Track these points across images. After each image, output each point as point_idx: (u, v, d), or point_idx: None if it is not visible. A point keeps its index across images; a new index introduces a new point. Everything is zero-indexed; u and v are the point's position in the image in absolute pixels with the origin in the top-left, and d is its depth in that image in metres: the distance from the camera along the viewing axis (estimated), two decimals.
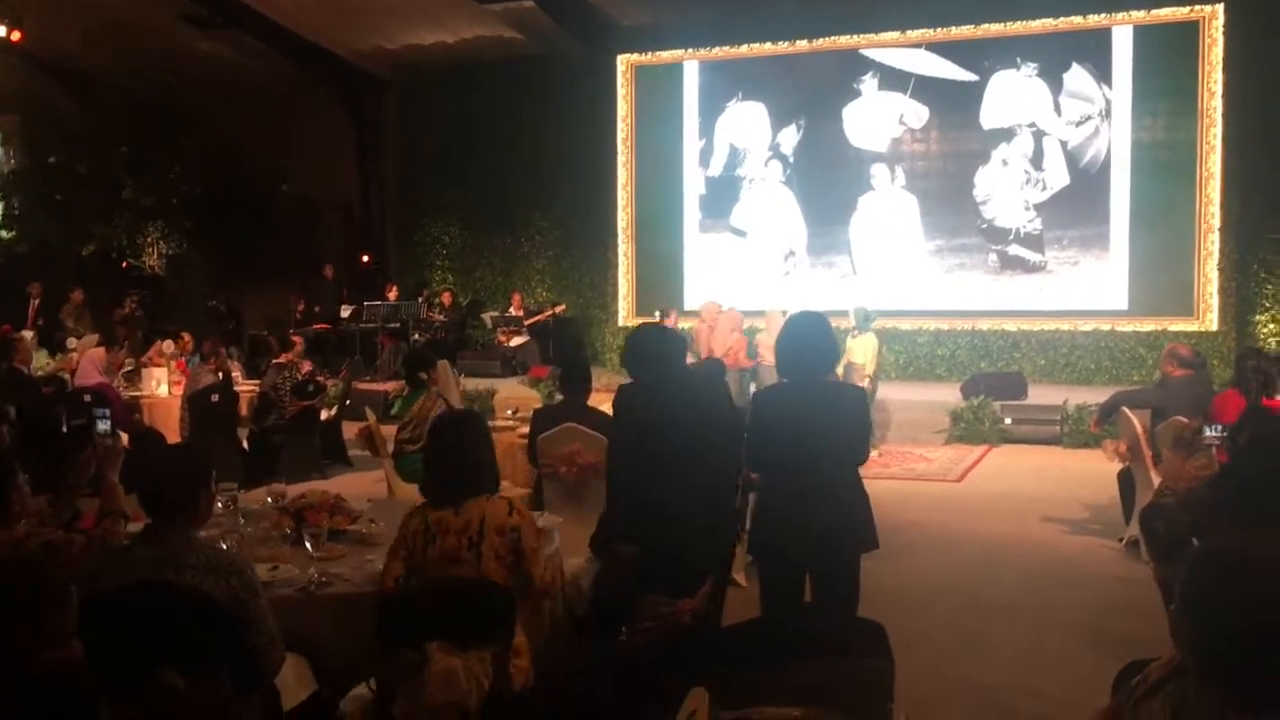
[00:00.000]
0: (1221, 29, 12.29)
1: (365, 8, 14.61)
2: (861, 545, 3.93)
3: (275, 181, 17.47)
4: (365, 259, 17.45)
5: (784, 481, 3.88)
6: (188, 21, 14.97)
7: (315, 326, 14.97)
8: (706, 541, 3.82)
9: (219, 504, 3.96)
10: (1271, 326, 13.04)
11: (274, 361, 9.72)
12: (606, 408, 6.70)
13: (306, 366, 10.40)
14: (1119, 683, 2.39)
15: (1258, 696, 1.83)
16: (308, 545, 3.80)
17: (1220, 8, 12.31)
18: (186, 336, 11.66)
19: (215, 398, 8.78)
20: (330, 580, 3.68)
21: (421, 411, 6.73)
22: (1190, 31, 12.46)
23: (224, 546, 3.60)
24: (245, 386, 10.13)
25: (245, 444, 9.13)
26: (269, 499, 4.57)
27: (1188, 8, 12.46)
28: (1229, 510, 3.14)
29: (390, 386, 12.84)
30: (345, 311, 15.16)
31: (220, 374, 9.41)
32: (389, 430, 7.25)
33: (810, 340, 3.91)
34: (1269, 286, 13.01)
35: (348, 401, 10.71)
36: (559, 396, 9.87)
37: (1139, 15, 12.63)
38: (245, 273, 16.51)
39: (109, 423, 4.49)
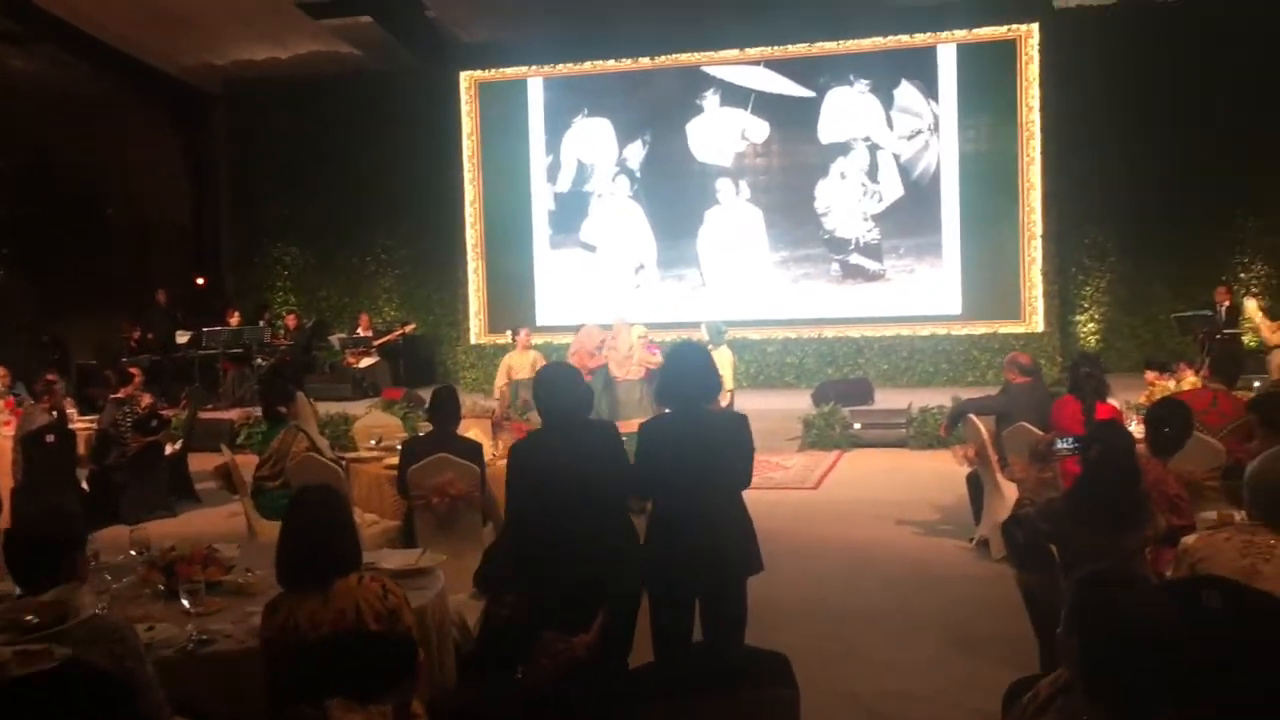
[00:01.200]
0: (1037, 47, 13.04)
1: (192, 23, 14.12)
2: (748, 568, 4.03)
3: (101, 203, 16.65)
4: (200, 282, 16.81)
5: (673, 508, 3.94)
6: (1, 39, 14.15)
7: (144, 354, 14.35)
8: (602, 575, 3.83)
9: None
10: (1091, 326, 13.93)
11: (112, 396, 9.26)
12: (473, 434, 6.69)
13: (147, 399, 9.94)
14: (1009, 701, 2.53)
15: (1142, 713, 1.98)
16: (184, 602, 3.66)
17: (1035, 27, 13.06)
18: (2, 370, 10.99)
19: (51, 438, 8.32)
20: (211, 637, 3.54)
21: (282, 447, 6.53)
22: (1008, 50, 13.18)
23: (98, 610, 3.43)
24: (80, 424, 9.62)
25: (85, 485, 8.68)
26: (133, 551, 4.37)
27: (1005, 27, 13.17)
28: (1085, 519, 3.36)
29: (235, 414, 12.43)
30: (182, 337, 14.56)
31: (55, 412, 8.91)
32: (243, 463, 7.03)
33: (692, 370, 3.98)
34: (1087, 289, 13.89)
35: (191, 433, 10.30)
36: (418, 421, 9.82)
37: (961, 34, 13.28)
38: (72, 300, 15.67)
39: None
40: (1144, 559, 3.72)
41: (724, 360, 9.80)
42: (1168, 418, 4.31)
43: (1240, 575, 3.11)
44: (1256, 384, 8.44)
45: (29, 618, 2.96)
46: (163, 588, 3.93)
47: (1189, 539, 3.52)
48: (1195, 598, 2.95)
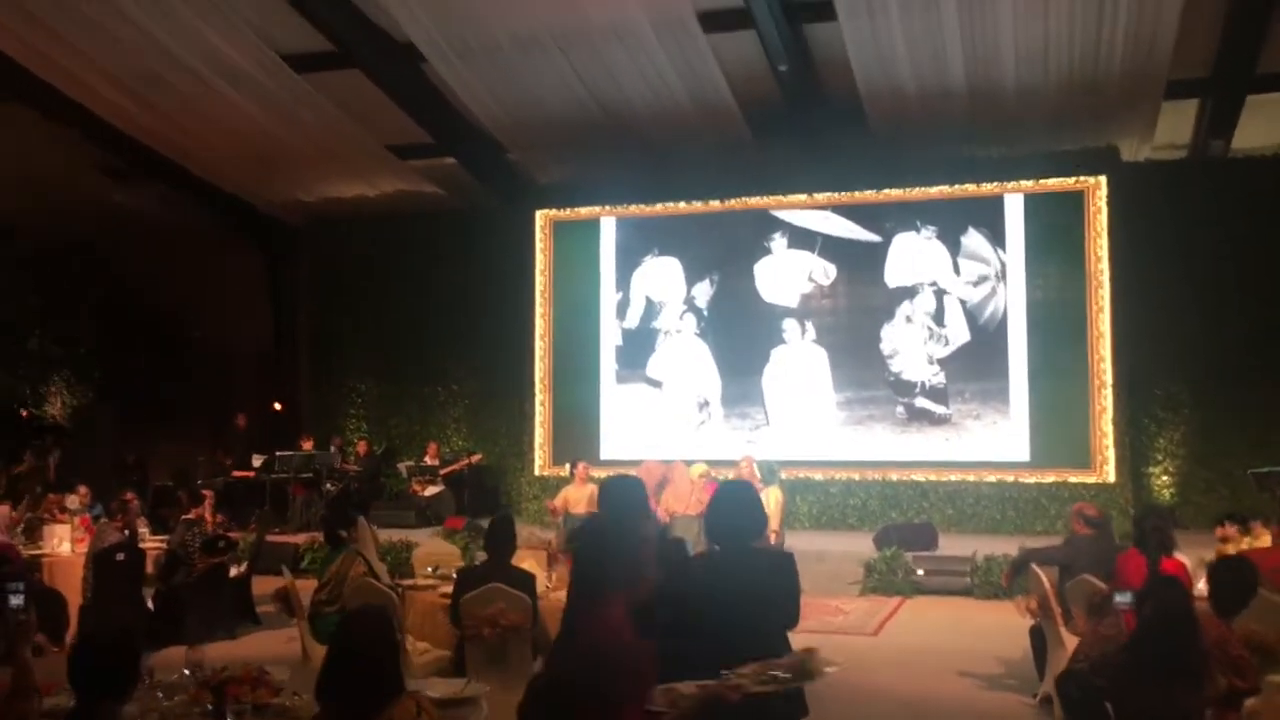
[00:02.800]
0: (1105, 198, 13.13)
1: (283, 161, 14.85)
2: (794, 712, 3.97)
3: (187, 330, 17.33)
4: (278, 407, 17.26)
5: (717, 651, 3.92)
6: (104, 173, 15.02)
7: (235, 473, 14.71)
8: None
9: None
10: (1165, 479, 13.62)
11: (183, 518, 9.50)
12: (528, 565, 6.73)
13: (217, 520, 10.19)
14: None
15: None
16: None
17: (1103, 179, 13.16)
18: (84, 490, 11.35)
19: (121, 556, 8.53)
20: None
21: (340, 571, 6.63)
22: (1076, 200, 13.28)
23: None
24: (150, 543, 9.86)
25: (151, 603, 8.84)
26: (186, 670, 4.45)
27: (1073, 178, 13.30)
28: (1139, 677, 3.29)
29: (301, 539, 12.62)
30: (256, 461, 14.91)
31: (127, 531, 9.15)
32: (305, 588, 7.12)
33: (739, 508, 4.02)
34: (1160, 440, 13.63)
35: (258, 556, 10.46)
36: (477, 551, 9.88)
37: (1028, 184, 13.44)
38: (155, 423, 16.21)
39: (21, 597, 4.36)
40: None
41: (773, 500, 9.77)
42: (1231, 576, 4.22)
43: None
44: None
45: None
46: (211, 707, 4.00)
47: (1252, 702, 3.43)
48: None
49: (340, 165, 15.03)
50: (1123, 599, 4.28)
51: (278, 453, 14.53)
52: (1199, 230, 13.24)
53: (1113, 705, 3.58)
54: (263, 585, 9.57)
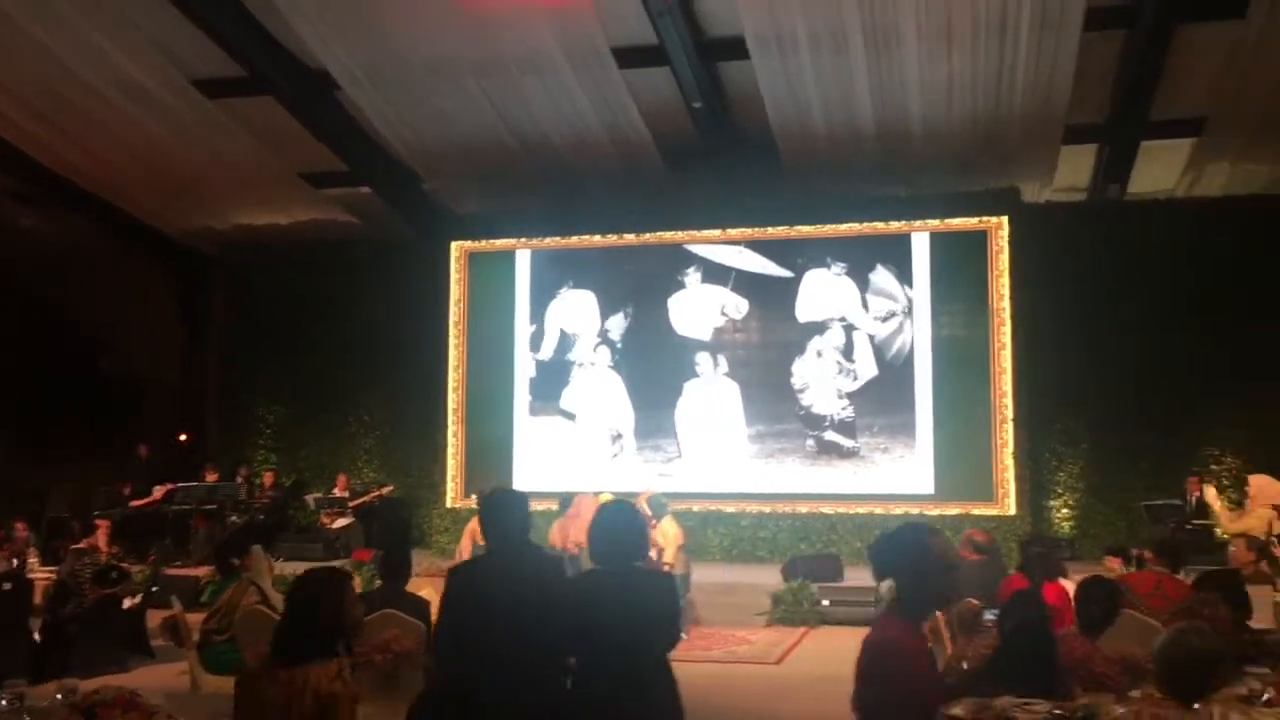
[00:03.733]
0: (1006, 238, 13.51)
1: (197, 189, 14.68)
2: None
3: (94, 358, 16.93)
4: (183, 437, 16.91)
5: (597, 668, 3.94)
6: (10, 197, 14.68)
7: (134, 503, 14.33)
8: None
9: (2, 702, 3.77)
10: (1064, 511, 13.98)
11: (73, 547, 9.26)
12: (427, 592, 6.67)
13: (110, 551, 9.94)
14: None
15: None
16: None
17: (1005, 220, 13.56)
18: None
19: (8, 586, 8.28)
20: None
21: (232, 600, 6.53)
22: (980, 239, 13.65)
23: None
24: (41, 574, 9.58)
25: (38, 635, 8.57)
26: (59, 695, 4.33)
27: (977, 218, 13.68)
28: (1000, 691, 3.38)
29: (203, 572, 12.28)
30: (158, 492, 14.57)
31: (14, 560, 8.88)
32: (196, 618, 6.98)
33: (621, 528, 4.06)
34: (1060, 474, 13.99)
35: (154, 588, 10.21)
36: (378, 581, 9.75)
37: (934, 223, 13.79)
38: (59, 452, 15.77)
39: None
40: None
41: (668, 532, 9.84)
42: (1093, 595, 4.36)
43: None
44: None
45: None
46: None
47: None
48: None
49: (253, 193, 14.88)
50: (991, 616, 4.39)
51: (180, 484, 14.21)
52: (1095, 270, 13.69)
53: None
54: (158, 618, 9.32)
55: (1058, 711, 3.38)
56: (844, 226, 14.04)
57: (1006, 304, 13.40)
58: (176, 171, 14.07)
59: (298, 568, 11.86)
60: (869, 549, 3.42)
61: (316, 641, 3.41)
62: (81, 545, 9.19)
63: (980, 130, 12.35)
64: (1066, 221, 13.93)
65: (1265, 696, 4.06)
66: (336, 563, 12.79)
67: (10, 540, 9.00)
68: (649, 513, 10.08)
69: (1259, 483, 9.72)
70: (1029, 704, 3.46)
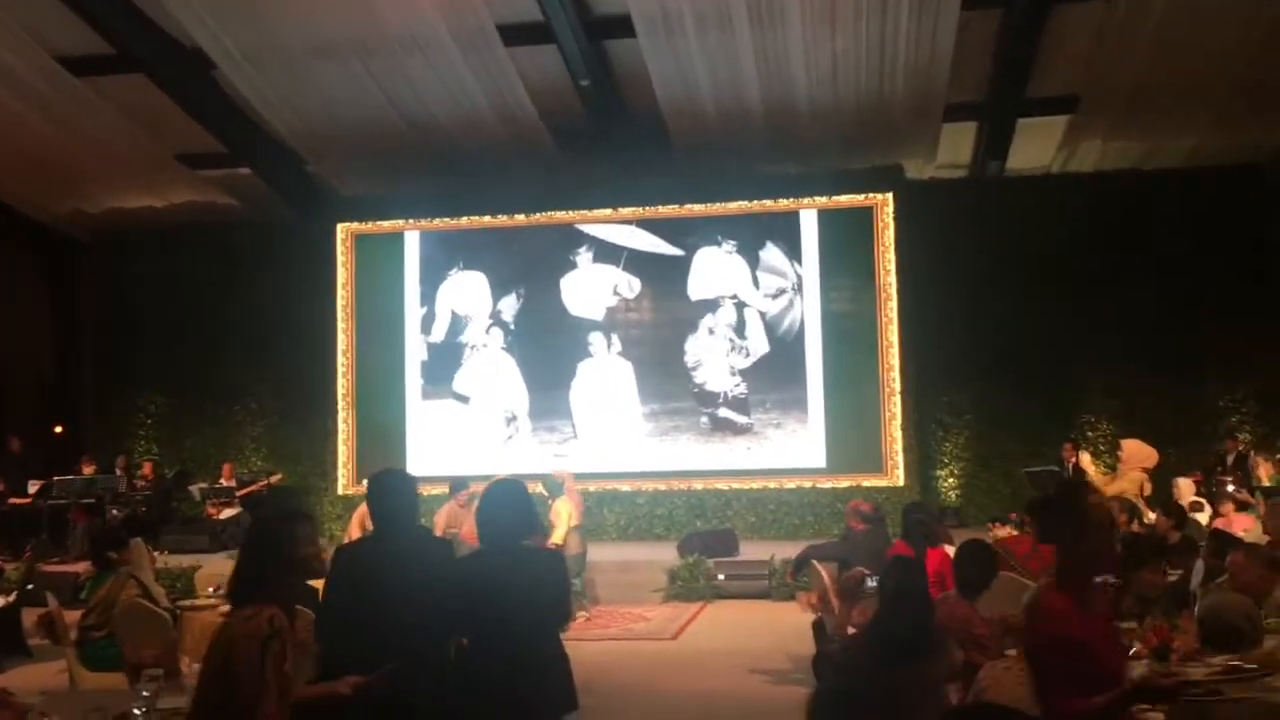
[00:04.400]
0: (892, 214, 13.79)
1: (63, 170, 14.08)
2: (562, 707, 4.00)
3: None
4: (58, 430, 16.28)
5: (486, 648, 3.92)
6: None
7: (11, 500, 13.74)
8: (408, 707, 3.77)
9: None
10: (951, 480, 14.36)
11: None
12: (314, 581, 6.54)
13: None
14: None
15: None
16: None
17: (890, 196, 13.82)
18: None
19: None
20: None
21: (110, 594, 6.31)
22: (865, 215, 13.91)
23: None
24: None
25: None
26: None
27: (863, 195, 13.92)
28: (876, 653, 3.44)
29: (81, 567, 11.85)
30: (33, 487, 14.00)
31: None
32: (75, 615, 6.74)
33: (508, 507, 4.03)
34: (946, 444, 14.37)
35: (29, 586, 9.83)
36: None
37: (822, 200, 13.99)
38: None
39: None
40: (940, 695, 3.80)
41: (561, 512, 9.85)
42: (970, 558, 4.48)
43: (1018, 702, 3.23)
44: None
45: None
46: None
47: (984, 672, 3.64)
48: None
49: (126, 175, 14.36)
50: (873, 583, 4.49)
51: (56, 478, 13.69)
52: (977, 245, 14.04)
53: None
54: (34, 617, 8.98)
55: (1235, 662, 3.52)
56: (734, 205, 14.15)
57: (892, 279, 13.68)
58: (43, 153, 13.47)
59: (182, 560, 11.60)
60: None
61: (259, 585, 3.30)
62: None
63: (865, 109, 12.55)
64: (949, 197, 14.25)
65: (1132, 649, 4.24)
66: (224, 554, 12.50)
67: None
68: (546, 493, 10.07)
69: (1130, 447, 10.11)
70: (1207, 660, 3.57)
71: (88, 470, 14.05)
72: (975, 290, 14.04)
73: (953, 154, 14.06)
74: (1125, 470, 9.92)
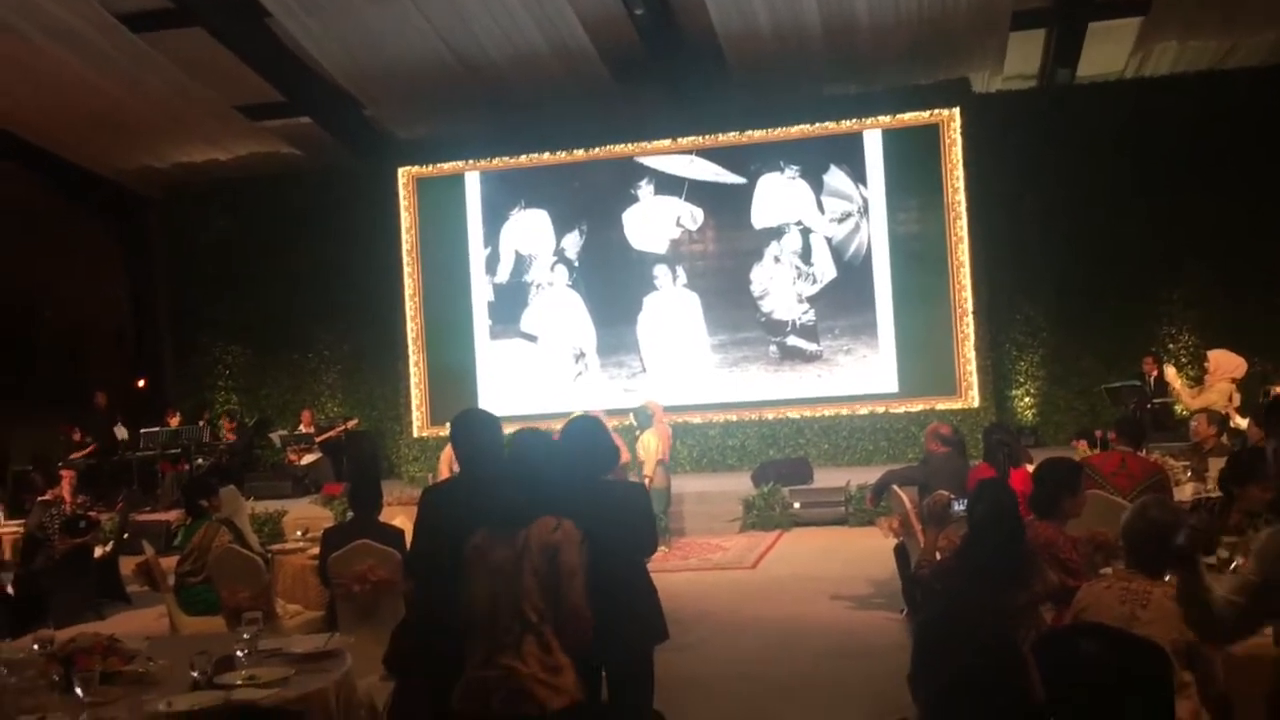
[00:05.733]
0: (959, 130, 13.45)
1: (129, 127, 14.23)
2: (652, 638, 4.03)
3: (38, 308, 16.58)
4: (140, 383, 16.68)
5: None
6: None
7: (81, 451, 14.15)
8: None
9: None
10: (1027, 400, 14.14)
11: (39, 499, 9.14)
12: (400, 521, 6.66)
13: (78, 501, 9.83)
14: None
15: None
16: (78, 691, 3.60)
17: (956, 111, 13.47)
18: None
19: None
20: None
21: (203, 541, 6.47)
22: (932, 133, 13.58)
23: None
24: (8, 528, 9.48)
25: (11, 588, 8.49)
26: (35, 645, 4.29)
27: (928, 111, 13.58)
28: (970, 576, 3.41)
29: (172, 516, 12.23)
30: (121, 432, 14.42)
31: None
32: (170, 562, 6.93)
33: (587, 443, 4.03)
34: (1021, 364, 14.13)
35: (125, 535, 10.14)
36: (350, 514, 9.74)
37: (886, 120, 13.68)
38: (10, 406, 15.50)
39: None
40: (1037, 616, 3.77)
41: (648, 445, 9.86)
42: (1047, 475, 4.37)
43: (1120, 621, 3.18)
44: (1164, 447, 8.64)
45: None
46: (58, 679, 3.86)
47: (1081, 592, 3.58)
48: (1074, 644, 3.01)
49: (189, 129, 14.48)
50: (960, 507, 4.43)
51: (143, 430, 14.06)
52: (1048, 157, 13.68)
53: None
54: (131, 565, 9.26)
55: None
56: (795, 129, 13.90)
57: (961, 197, 13.39)
58: (109, 112, 13.63)
59: (269, 507, 11.89)
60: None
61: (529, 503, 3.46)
62: (47, 497, 9.06)
63: (928, 21, 12.18)
64: (1018, 109, 13.87)
65: (1234, 565, 4.15)
66: (307, 499, 12.78)
67: None
68: (635, 424, 10.09)
69: (1218, 357, 9.83)
70: None
71: (172, 422, 14.41)
72: (1047, 204, 13.70)
73: (1021, 64, 13.63)
74: (1212, 382, 9.65)
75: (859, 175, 13.74)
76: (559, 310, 14.50)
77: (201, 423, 14.87)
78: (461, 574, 3.45)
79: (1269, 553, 2.96)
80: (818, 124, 13.84)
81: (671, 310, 14.18)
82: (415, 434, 14.69)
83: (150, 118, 13.97)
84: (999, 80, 13.85)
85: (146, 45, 12.41)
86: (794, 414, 13.74)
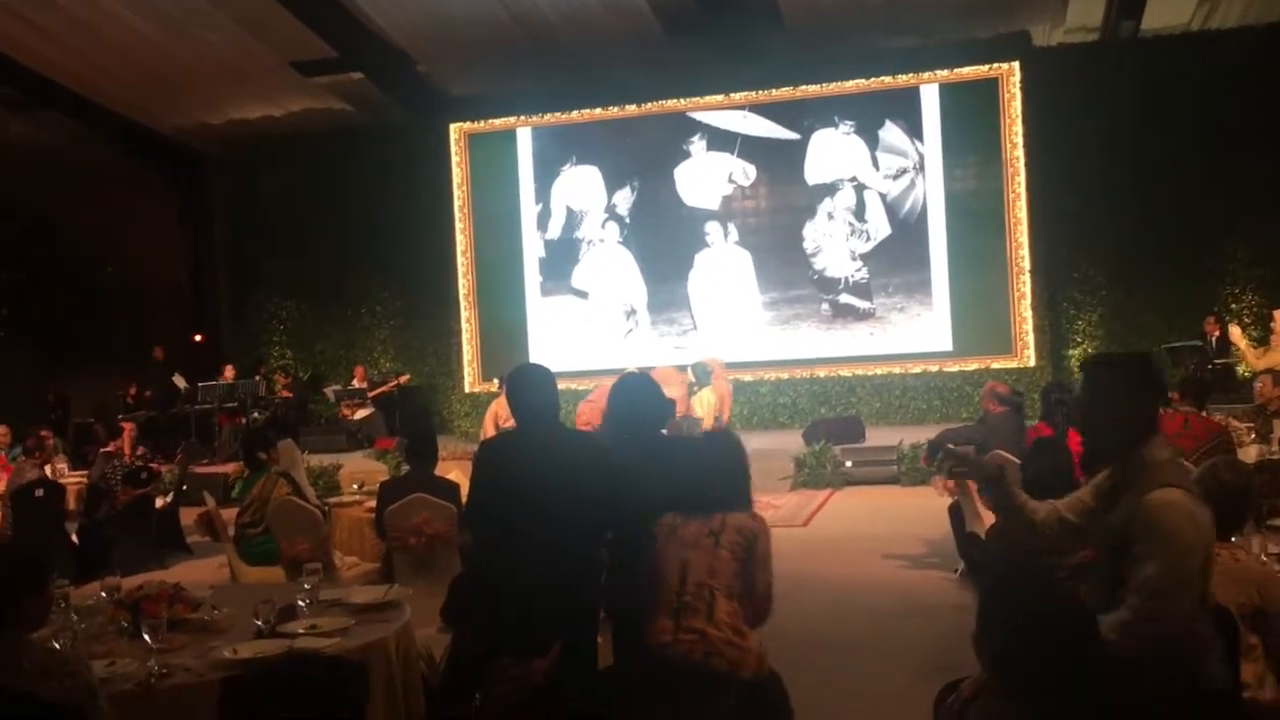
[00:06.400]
0: (1019, 84, 13.18)
1: (186, 85, 14.34)
2: None
3: (99, 263, 16.86)
4: (198, 338, 16.94)
5: (630, 536, 3.95)
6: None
7: (130, 399, 14.42)
8: (560, 601, 3.81)
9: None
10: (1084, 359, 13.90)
11: (101, 450, 9.33)
12: (454, 475, 6.71)
13: (138, 453, 10.03)
14: (939, 701, 2.55)
15: (1053, 707, 1.99)
16: (146, 637, 3.68)
17: (1016, 65, 13.21)
18: (2, 429, 11.10)
19: (40, 492, 8.37)
20: (170, 671, 3.56)
21: (262, 493, 6.56)
22: (990, 88, 13.32)
23: (56, 646, 3.46)
24: (71, 478, 9.69)
25: (76, 538, 8.71)
26: (102, 593, 4.39)
27: (987, 65, 13.32)
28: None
29: (230, 468, 12.45)
30: (179, 381, 14.68)
31: (45, 467, 8.97)
32: (231, 514, 7.06)
33: (642, 400, 4.02)
34: (1079, 323, 13.90)
35: (184, 486, 10.33)
36: (405, 468, 9.84)
37: (943, 74, 13.44)
38: (73, 359, 15.85)
39: None
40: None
41: (706, 401, 9.84)
42: None
43: None
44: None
45: None
46: (126, 625, 3.95)
47: None
48: None
49: (243, 85, 14.56)
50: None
51: (200, 383, 14.29)
52: (1110, 112, 13.35)
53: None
54: (191, 516, 9.45)
55: None
56: (850, 83, 13.71)
57: (1020, 153, 13.16)
58: (165, 68, 13.75)
59: (323, 460, 12.04)
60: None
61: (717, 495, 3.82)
62: (109, 449, 9.25)
63: None
64: (1080, 63, 13.53)
65: None
66: (360, 453, 12.93)
67: (40, 448, 9.07)
68: (693, 380, 10.06)
69: None
70: None
71: (228, 376, 14.62)
72: (1108, 161, 13.39)
73: (1082, 16, 13.26)
74: (1278, 341, 9.44)
75: (915, 130, 13.52)
76: (610, 267, 14.48)
77: (257, 377, 15.08)
78: (645, 548, 3.73)
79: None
80: (873, 78, 13.64)
81: (723, 267, 14.11)
82: (467, 389, 14.80)
83: (207, 74, 14.06)
84: (1060, 32, 13.52)
85: (205, 3, 12.46)
86: (846, 372, 13.66)
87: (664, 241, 14.24)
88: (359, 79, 14.48)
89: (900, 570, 7.44)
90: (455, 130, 14.88)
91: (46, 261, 16.55)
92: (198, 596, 4.32)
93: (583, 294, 14.58)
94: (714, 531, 3.58)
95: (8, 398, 14.74)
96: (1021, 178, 13.14)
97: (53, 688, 2.91)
